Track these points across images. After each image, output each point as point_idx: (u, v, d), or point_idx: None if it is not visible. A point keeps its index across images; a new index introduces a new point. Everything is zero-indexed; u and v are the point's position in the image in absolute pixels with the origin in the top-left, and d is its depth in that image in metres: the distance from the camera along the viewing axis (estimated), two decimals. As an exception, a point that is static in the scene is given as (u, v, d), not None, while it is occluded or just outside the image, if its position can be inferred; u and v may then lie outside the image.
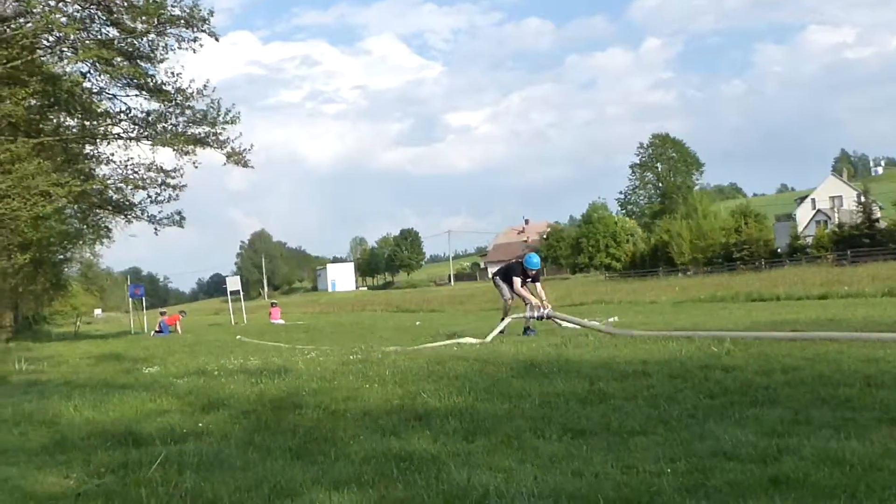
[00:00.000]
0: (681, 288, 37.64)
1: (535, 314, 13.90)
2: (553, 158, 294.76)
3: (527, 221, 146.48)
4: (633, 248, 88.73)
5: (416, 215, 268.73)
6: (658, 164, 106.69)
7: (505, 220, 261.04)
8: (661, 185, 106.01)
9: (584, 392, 6.63)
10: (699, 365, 7.72)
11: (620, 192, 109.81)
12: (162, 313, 34.95)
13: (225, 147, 24.92)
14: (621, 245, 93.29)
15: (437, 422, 5.74)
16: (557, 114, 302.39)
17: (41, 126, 24.73)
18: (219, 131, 24.76)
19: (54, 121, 25.94)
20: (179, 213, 27.21)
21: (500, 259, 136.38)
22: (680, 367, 7.67)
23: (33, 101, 22.35)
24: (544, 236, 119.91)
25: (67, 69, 23.09)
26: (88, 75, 23.64)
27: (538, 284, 14.76)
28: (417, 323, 24.71)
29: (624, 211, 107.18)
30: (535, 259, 14.83)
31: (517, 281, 14.56)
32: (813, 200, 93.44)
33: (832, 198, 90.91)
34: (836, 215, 76.37)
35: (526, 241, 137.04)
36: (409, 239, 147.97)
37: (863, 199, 60.39)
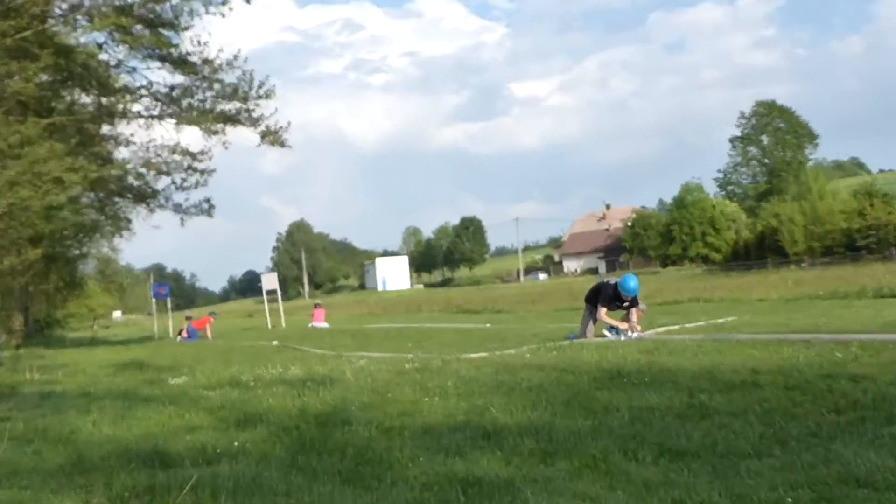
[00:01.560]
0: (794, 282, 36.90)
1: (621, 337, 13.69)
2: (637, 132, 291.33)
3: (608, 206, 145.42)
4: (735, 236, 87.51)
5: (479, 201, 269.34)
6: (763, 137, 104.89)
7: (582, 206, 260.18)
8: (766, 161, 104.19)
9: (683, 406, 6.54)
10: (820, 374, 7.55)
11: (719, 171, 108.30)
12: (188, 318, 35.56)
13: (258, 125, 25.20)
14: (721, 233, 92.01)
15: (510, 441, 5.71)
16: (641, 80, 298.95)
17: (53, 104, 25.34)
18: (251, 107, 25.05)
19: (67, 98, 26.53)
20: (208, 200, 27.63)
21: (579, 251, 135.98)
22: (797, 376, 7.51)
23: (44, 77, 22.91)
24: (629, 223, 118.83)
25: (82, 40, 23.63)
26: (105, 46, 24.16)
27: (633, 311, 14.35)
28: (487, 325, 24.70)
29: (723, 192, 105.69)
30: (633, 283, 14.25)
31: (602, 311, 14.31)
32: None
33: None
34: (983, 194, 74.09)
35: (607, 229, 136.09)
36: (471, 228, 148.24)
37: None
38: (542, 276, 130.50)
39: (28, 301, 43.64)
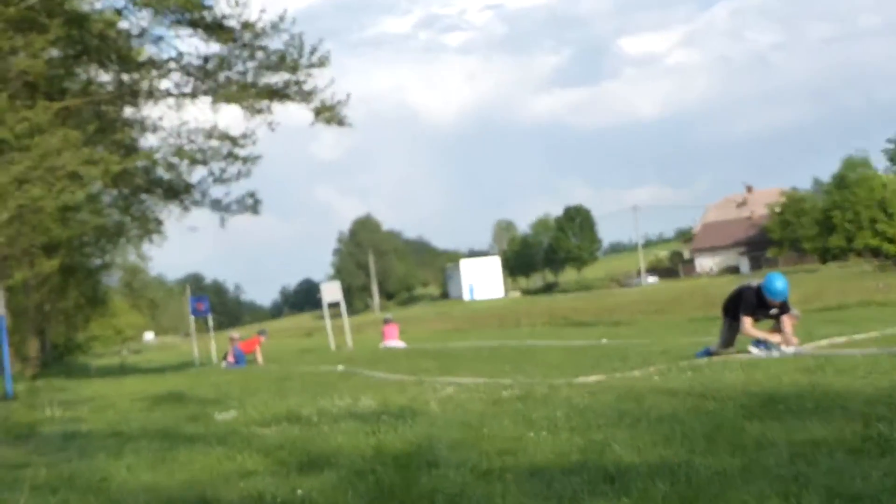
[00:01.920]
0: None
1: (773, 353, 13.48)
2: (783, 95, 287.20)
3: (749, 189, 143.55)
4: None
5: (586, 186, 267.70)
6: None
7: (717, 189, 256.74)
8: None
9: (857, 439, 6.43)
10: None
11: (889, 141, 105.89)
12: (233, 339, 35.94)
13: (311, 100, 25.47)
14: (895, 218, 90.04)
15: (638, 484, 5.68)
16: (785, 30, 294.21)
17: (65, 85, 25.99)
18: (302, 79, 25.32)
19: (83, 76, 27.18)
20: (253, 195, 28.05)
21: (714, 245, 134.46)
22: None
23: (55, 52, 23.53)
24: (776, 209, 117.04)
25: (97, 5, 24.16)
26: (125, 12, 24.65)
27: (785, 319, 14.07)
28: (603, 341, 24.61)
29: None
30: (780, 283, 13.87)
31: (746, 322, 14.04)
32: None
33: None
34: None
35: (749, 217, 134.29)
36: (578, 220, 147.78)
37: None
38: (652, 279, 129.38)
39: (44, 322, 44.89)
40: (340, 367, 22.72)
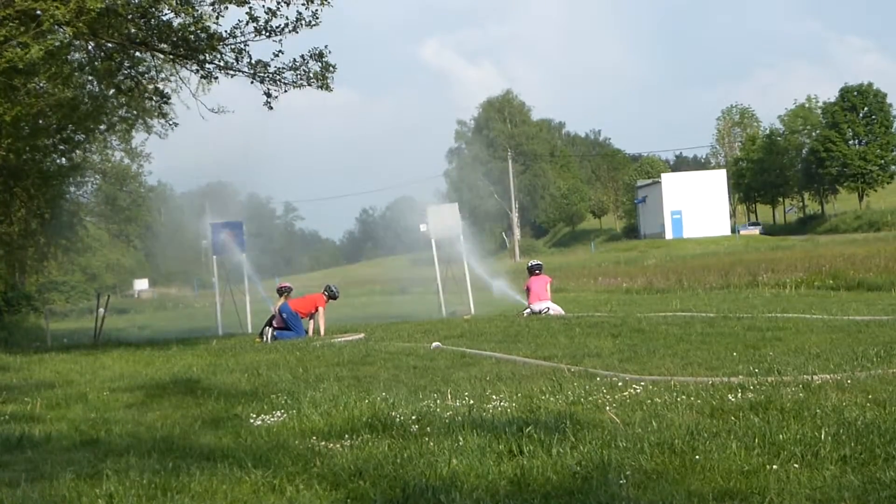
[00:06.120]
0: None
1: None
2: None
3: None
4: None
5: (879, 51, 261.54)
6: None
7: None
8: None
9: None
10: None
11: None
12: (282, 292, 35.53)
13: None
14: None
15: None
16: None
17: None
18: None
19: None
20: (321, 56, 27.93)
21: None
22: None
23: None
24: None
25: None
26: None
27: None
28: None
29: None
30: None
31: None
32: None
33: None
34: None
35: None
36: (864, 109, 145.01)
37: None
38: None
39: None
40: (435, 344, 22.85)
